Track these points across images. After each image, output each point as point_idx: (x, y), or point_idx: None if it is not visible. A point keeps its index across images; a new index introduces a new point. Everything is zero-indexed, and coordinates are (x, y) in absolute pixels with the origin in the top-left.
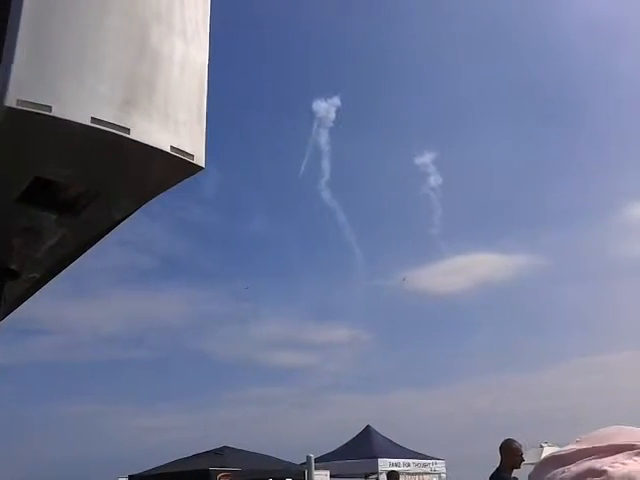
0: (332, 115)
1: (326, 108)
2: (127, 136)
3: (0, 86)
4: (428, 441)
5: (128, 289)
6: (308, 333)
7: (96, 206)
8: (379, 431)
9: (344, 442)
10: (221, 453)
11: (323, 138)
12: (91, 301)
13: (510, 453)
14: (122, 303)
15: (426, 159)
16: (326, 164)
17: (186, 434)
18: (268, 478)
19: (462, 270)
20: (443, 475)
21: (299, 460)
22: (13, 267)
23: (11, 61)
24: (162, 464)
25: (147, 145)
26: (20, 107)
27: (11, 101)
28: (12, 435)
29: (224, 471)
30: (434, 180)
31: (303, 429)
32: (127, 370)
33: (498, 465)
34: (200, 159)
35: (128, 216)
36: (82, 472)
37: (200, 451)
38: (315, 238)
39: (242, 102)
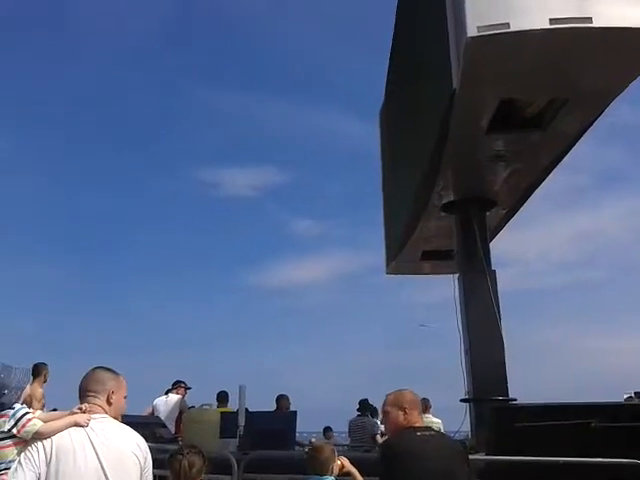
0: None
1: None
2: (590, 26)
3: (459, 20)
4: None
5: (570, 212)
6: None
7: (562, 115)
8: None
9: None
10: None
11: None
12: (538, 230)
13: None
14: (565, 227)
15: None
16: None
17: None
18: None
19: None
20: None
21: None
22: (490, 197)
23: None
24: None
25: (614, 28)
26: (481, 33)
27: (472, 30)
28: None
29: None
30: None
31: None
32: (587, 292)
33: None
34: None
35: (592, 123)
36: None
37: None
38: None
39: None
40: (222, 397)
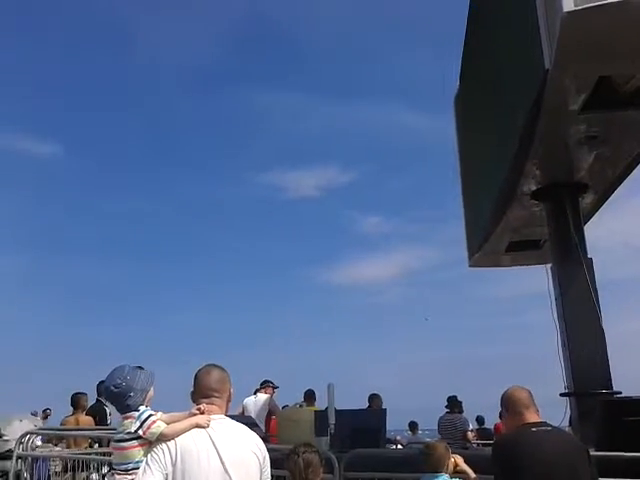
0: None
1: None
2: None
3: None
4: None
5: None
6: None
7: None
8: None
9: None
10: None
11: None
12: (618, 213)
13: None
14: None
15: None
16: None
17: None
18: None
19: None
20: None
21: None
22: (582, 181)
23: None
24: None
25: None
26: (579, 7)
27: (568, 5)
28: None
29: None
30: None
31: None
32: None
33: None
34: None
35: None
36: None
37: None
38: None
39: None
40: (309, 395)
